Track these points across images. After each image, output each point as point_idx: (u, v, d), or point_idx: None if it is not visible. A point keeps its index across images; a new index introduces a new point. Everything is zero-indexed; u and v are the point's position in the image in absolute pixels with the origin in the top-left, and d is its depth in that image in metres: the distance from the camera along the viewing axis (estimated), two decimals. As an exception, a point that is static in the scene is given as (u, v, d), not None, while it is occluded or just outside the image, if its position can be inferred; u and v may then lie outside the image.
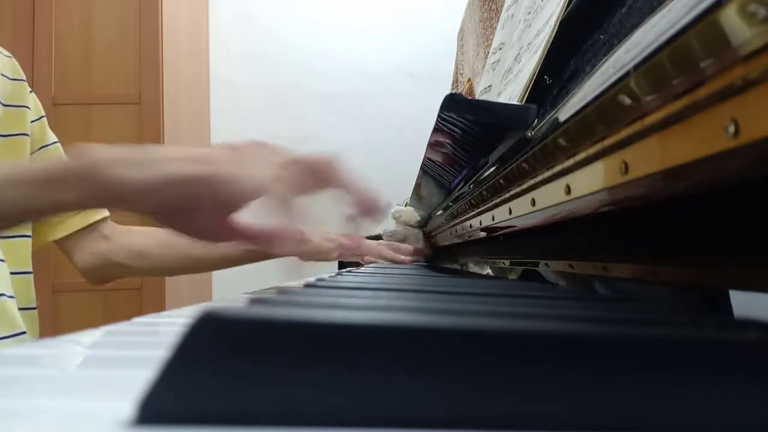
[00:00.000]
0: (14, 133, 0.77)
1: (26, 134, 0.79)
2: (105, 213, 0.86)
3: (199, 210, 0.44)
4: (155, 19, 2.03)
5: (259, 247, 0.56)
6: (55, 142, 0.85)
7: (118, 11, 2.04)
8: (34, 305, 0.79)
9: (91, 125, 2.01)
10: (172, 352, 0.13)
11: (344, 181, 0.50)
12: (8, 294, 0.73)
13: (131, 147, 0.43)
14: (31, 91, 0.82)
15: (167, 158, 0.42)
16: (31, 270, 0.79)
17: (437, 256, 1.15)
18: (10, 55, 0.81)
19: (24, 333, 0.74)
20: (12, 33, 1.99)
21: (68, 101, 2.00)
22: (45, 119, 0.83)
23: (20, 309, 0.76)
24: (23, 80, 0.80)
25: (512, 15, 0.71)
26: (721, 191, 0.24)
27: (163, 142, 2.02)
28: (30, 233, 0.79)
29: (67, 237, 0.83)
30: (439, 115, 0.51)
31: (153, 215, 0.44)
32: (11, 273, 0.76)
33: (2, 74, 0.78)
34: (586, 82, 0.33)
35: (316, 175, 0.49)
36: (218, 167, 0.42)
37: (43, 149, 0.82)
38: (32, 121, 0.80)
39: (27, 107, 0.80)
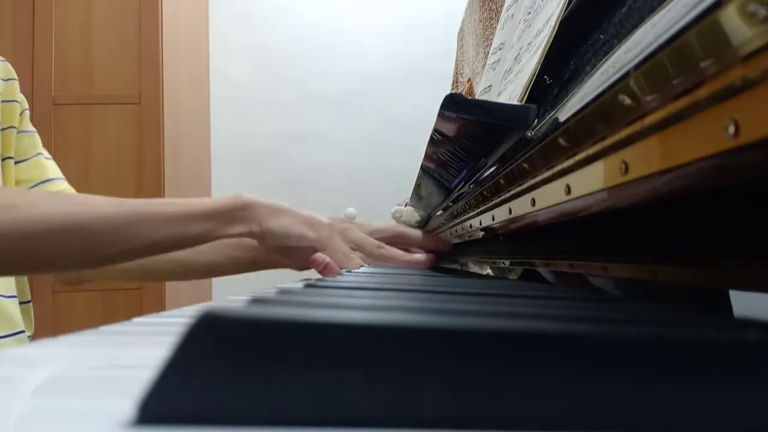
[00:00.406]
0: (7, 126, 0.80)
1: (15, 126, 0.81)
2: None
3: (303, 254, 0.71)
4: (155, 19, 2.03)
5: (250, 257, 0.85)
6: (34, 131, 0.86)
7: (118, 11, 2.04)
8: (29, 299, 0.80)
9: (91, 125, 2.01)
10: (172, 352, 0.13)
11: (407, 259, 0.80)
12: (7, 294, 0.74)
13: (270, 200, 0.68)
14: (20, 91, 0.84)
15: (300, 217, 0.68)
16: None
17: (437, 256, 1.15)
18: (3, 59, 0.83)
19: (23, 332, 0.74)
20: (12, 33, 1.99)
21: (68, 101, 2.00)
22: (28, 112, 0.86)
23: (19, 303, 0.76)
24: (15, 80, 0.83)
25: (512, 15, 0.71)
26: (721, 191, 0.24)
27: (163, 142, 2.02)
28: None
29: None
30: (438, 115, 0.51)
31: (279, 250, 0.69)
32: None
33: None
34: (586, 82, 0.33)
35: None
36: (321, 235, 0.69)
37: (21, 134, 0.84)
38: (19, 114, 0.83)
39: (17, 101, 0.82)
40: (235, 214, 0.65)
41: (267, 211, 0.66)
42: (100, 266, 0.72)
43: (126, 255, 0.63)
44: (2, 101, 0.80)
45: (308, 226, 0.68)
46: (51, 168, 0.87)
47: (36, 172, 0.84)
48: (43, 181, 0.84)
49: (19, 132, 0.83)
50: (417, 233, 0.85)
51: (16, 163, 0.83)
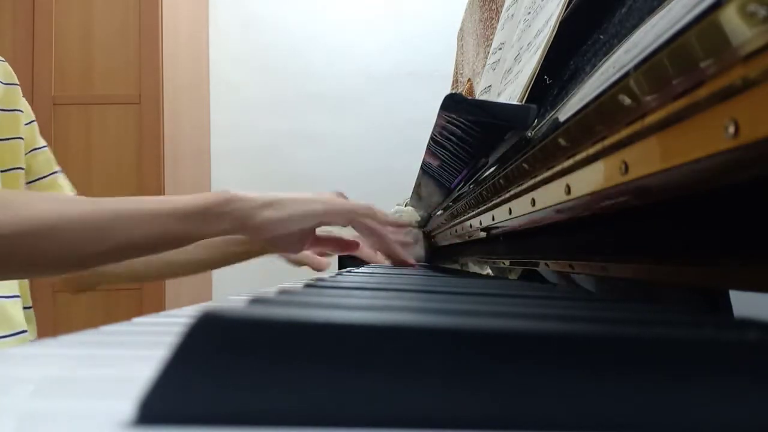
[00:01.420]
0: (10, 136, 0.78)
1: (21, 137, 0.79)
2: None
3: (305, 234, 0.66)
4: (155, 19, 2.03)
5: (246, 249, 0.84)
6: (45, 146, 0.85)
7: (118, 11, 2.04)
8: (30, 304, 0.80)
9: (91, 125, 2.01)
10: (172, 352, 0.13)
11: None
12: (7, 295, 0.74)
13: (258, 193, 0.64)
14: (23, 97, 0.82)
15: (289, 201, 0.64)
16: None
17: (437, 256, 1.15)
18: (3, 59, 0.81)
19: (25, 332, 0.74)
20: (12, 33, 1.99)
21: (68, 101, 2.00)
22: (35, 123, 0.84)
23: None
24: (17, 84, 0.81)
25: (512, 15, 0.71)
26: (721, 191, 0.24)
27: (163, 142, 2.02)
28: None
29: None
30: (438, 115, 0.51)
31: (271, 240, 0.65)
32: None
33: None
34: (586, 82, 0.33)
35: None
36: (326, 205, 0.66)
37: (33, 152, 0.83)
38: (25, 124, 0.81)
39: (20, 110, 0.80)
40: (219, 211, 0.61)
41: (253, 205, 0.62)
42: (81, 269, 0.70)
43: (104, 257, 0.61)
44: (2, 109, 0.78)
45: (311, 202, 0.65)
46: (66, 187, 0.87)
47: (52, 191, 0.83)
48: None
49: (31, 150, 0.82)
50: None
51: (31, 182, 0.82)
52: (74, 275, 0.86)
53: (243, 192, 0.63)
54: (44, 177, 0.84)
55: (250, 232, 0.63)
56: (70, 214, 0.57)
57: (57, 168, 0.87)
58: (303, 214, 0.64)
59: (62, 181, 0.87)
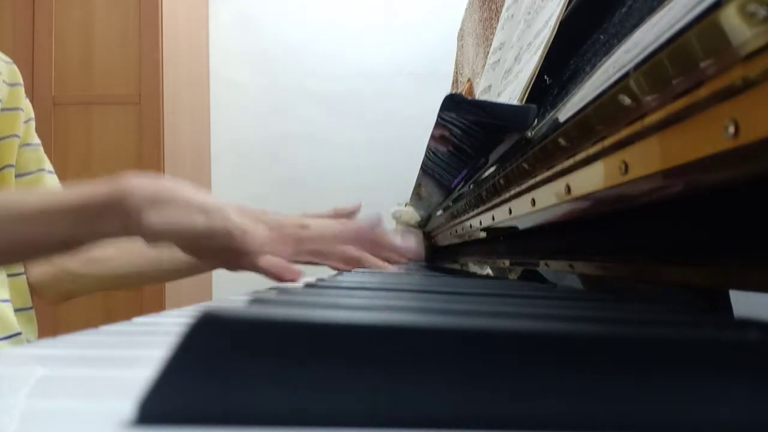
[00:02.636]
0: (8, 134, 0.78)
1: (17, 135, 0.79)
2: None
3: (213, 250, 0.54)
4: (155, 19, 2.03)
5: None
6: (38, 144, 0.84)
7: (118, 11, 2.04)
8: (30, 305, 0.79)
9: (91, 125, 2.01)
10: (172, 352, 0.13)
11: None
12: (1, 298, 0.74)
13: (156, 180, 0.52)
14: (26, 97, 0.82)
15: (189, 205, 0.51)
16: (24, 272, 0.79)
17: (437, 256, 1.15)
18: (10, 61, 0.81)
19: (20, 334, 0.74)
20: (12, 33, 1.99)
21: (68, 101, 2.00)
22: (33, 122, 0.84)
23: (18, 310, 0.76)
24: (20, 85, 0.81)
25: (512, 15, 0.71)
26: (721, 191, 0.24)
27: (163, 142, 2.02)
28: None
29: None
30: (438, 115, 0.51)
31: (178, 247, 0.53)
32: (8, 275, 0.76)
33: (3, 80, 0.78)
34: (586, 82, 0.33)
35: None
36: (226, 223, 0.51)
37: (25, 147, 0.82)
38: (24, 122, 0.81)
39: (21, 109, 0.80)
40: (107, 209, 0.50)
41: (146, 201, 0.50)
42: None
43: None
44: (4, 108, 0.78)
45: (198, 212, 0.51)
46: (50, 185, 0.85)
47: (35, 188, 0.82)
48: None
49: (23, 145, 0.82)
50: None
51: (17, 176, 0.81)
52: (51, 281, 0.82)
53: (146, 181, 0.52)
54: (30, 173, 0.83)
55: (137, 235, 0.52)
56: None
57: (46, 167, 0.87)
58: (180, 225, 0.51)
59: (49, 180, 0.86)
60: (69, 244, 0.53)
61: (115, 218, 0.50)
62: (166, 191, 0.51)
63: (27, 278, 0.81)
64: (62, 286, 0.83)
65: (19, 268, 0.78)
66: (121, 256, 0.82)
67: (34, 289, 0.82)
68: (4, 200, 0.51)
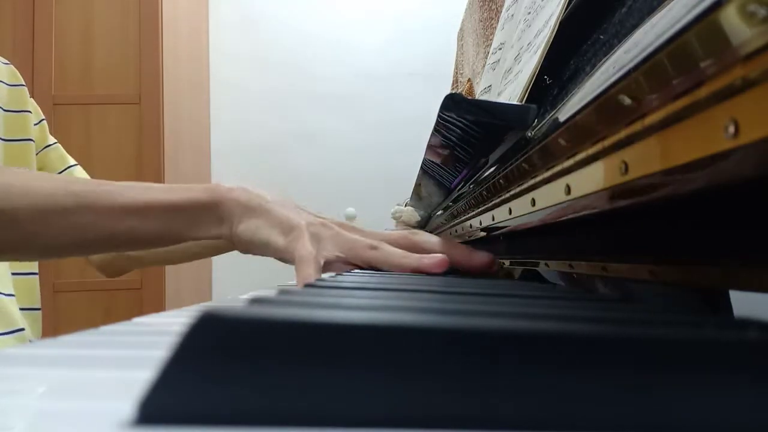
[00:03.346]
0: (19, 138, 0.78)
1: (31, 139, 0.79)
2: None
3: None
4: (155, 19, 2.03)
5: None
6: (55, 143, 0.85)
7: (118, 11, 2.04)
8: (38, 306, 0.79)
9: (91, 125, 2.01)
10: (172, 352, 0.13)
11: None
12: (6, 292, 0.74)
13: (251, 190, 0.54)
14: (30, 97, 0.82)
15: (273, 220, 0.52)
16: (37, 271, 0.80)
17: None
18: (8, 62, 0.81)
19: (23, 330, 0.74)
20: (12, 33, 1.99)
21: (68, 101, 2.00)
22: (45, 122, 0.84)
23: (24, 309, 0.76)
24: (23, 85, 0.81)
25: (512, 15, 0.71)
26: (721, 191, 0.24)
27: (163, 142, 2.02)
28: None
29: None
30: (438, 115, 0.51)
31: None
32: (15, 274, 0.76)
33: (0, 81, 0.78)
34: (586, 82, 0.33)
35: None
36: (296, 244, 0.51)
37: (45, 150, 0.83)
38: (34, 125, 0.81)
39: (28, 111, 0.80)
40: (205, 212, 0.53)
41: (241, 209, 0.53)
42: (43, 258, 0.63)
43: (65, 249, 0.53)
44: (8, 111, 0.78)
45: (279, 231, 0.52)
46: (80, 176, 0.86)
47: None
48: None
49: (43, 147, 0.83)
50: (434, 241, 0.59)
51: None
52: (110, 260, 0.86)
53: (241, 190, 0.54)
54: (60, 172, 0.84)
55: (227, 240, 0.54)
56: (27, 196, 0.49)
57: (72, 162, 0.88)
58: (261, 240, 0.52)
59: (78, 173, 0.87)
60: (160, 241, 0.54)
61: (210, 222, 0.53)
62: (257, 202, 0.53)
63: (89, 259, 0.84)
64: (118, 265, 0.88)
65: (28, 268, 0.78)
66: None
67: (93, 265, 0.86)
68: (107, 189, 0.52)
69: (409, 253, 0.54)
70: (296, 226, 0.52)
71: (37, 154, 0.82)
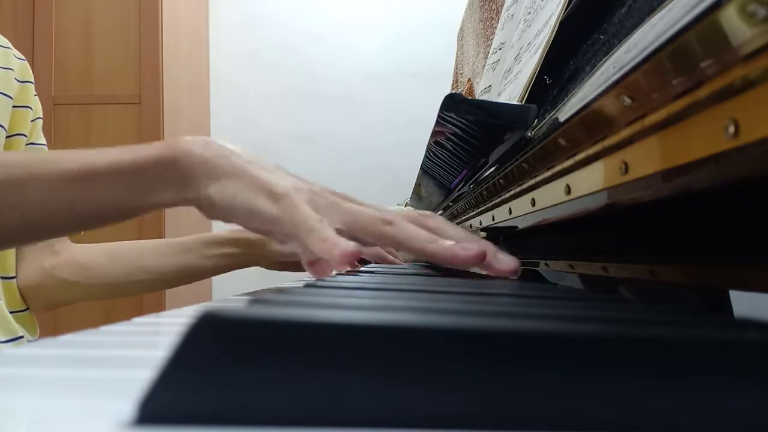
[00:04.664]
0: (16, 133, 0.78)
1: (24, 134, 0.79)
2: None
3: (282, 234, 0.44)
4: (155, 19, 2.03)
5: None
6: (44, 145, 0.83)
7: (118, 11, 2.04)
8: (24, 307, 0.78)
9: (91, 125, 2.01)
10: (172, 352, 0.13)
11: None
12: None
13: (212, 143, 0.45)
14: (35, 95, 0.82)
15: (256, 184, 0.43)
16: (15, 275, 0.78)
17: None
18: (23, 57, 0.81)
19: (21, 337, 0.74)
20: (12, 33, 1.99)
21: (68, 101, 2.00)
22: (41, 121, 0.83)
23: (12, 312, 0.75)
24: (31, 83, 0.81)
25: (512, 15, 0.71)
26: (721, 191, 0.24)
27: (163, 142, 2.02)
28: None
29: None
30: (439, 115, 0.51)
31: (241, 225, 0.45)
32: (1, 278, 0.75)
33: (14, 77, 0.78)
34: (586, 82, 0.33)
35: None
36: (294, 216, 0.42)
37: (30, 146, 0.81)
38: (31, 121, 0.81)
39: (29, 107, 0.80)
40: (162, 174, 0.44)
41: (209, 168, 0.43)
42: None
43: (18, 231, 0.46)
44: (14, 106, 0.78)
45: (264, 196, 0.43)
46: None
47: None
48: None
49: (28, 144, 0.82)
50: (451, 231, 0.46)
51: None
52: (40, 286, 0.77)
53: (200, 142, 0.45)
54: None
55: (196, 206, 0.45)
56: None
57: None
58: (244, 207, 0.43)
59: None
60: (110, 213, 0.46)
61: (169, 185, 0.44)
62: (227, 159, 0.44)
63: (17, 282, 0.77)
64: (49, 293, 0.78)
65: (12, 272, 0.78)
66: (113, 265, 0.79)
67: (22, 295, 0.77)
68: (50, 158, 0.45)
69: (435, 237, 0.43)
70: (286, 192, 0.43)
71: (24, 146, 0.81)
